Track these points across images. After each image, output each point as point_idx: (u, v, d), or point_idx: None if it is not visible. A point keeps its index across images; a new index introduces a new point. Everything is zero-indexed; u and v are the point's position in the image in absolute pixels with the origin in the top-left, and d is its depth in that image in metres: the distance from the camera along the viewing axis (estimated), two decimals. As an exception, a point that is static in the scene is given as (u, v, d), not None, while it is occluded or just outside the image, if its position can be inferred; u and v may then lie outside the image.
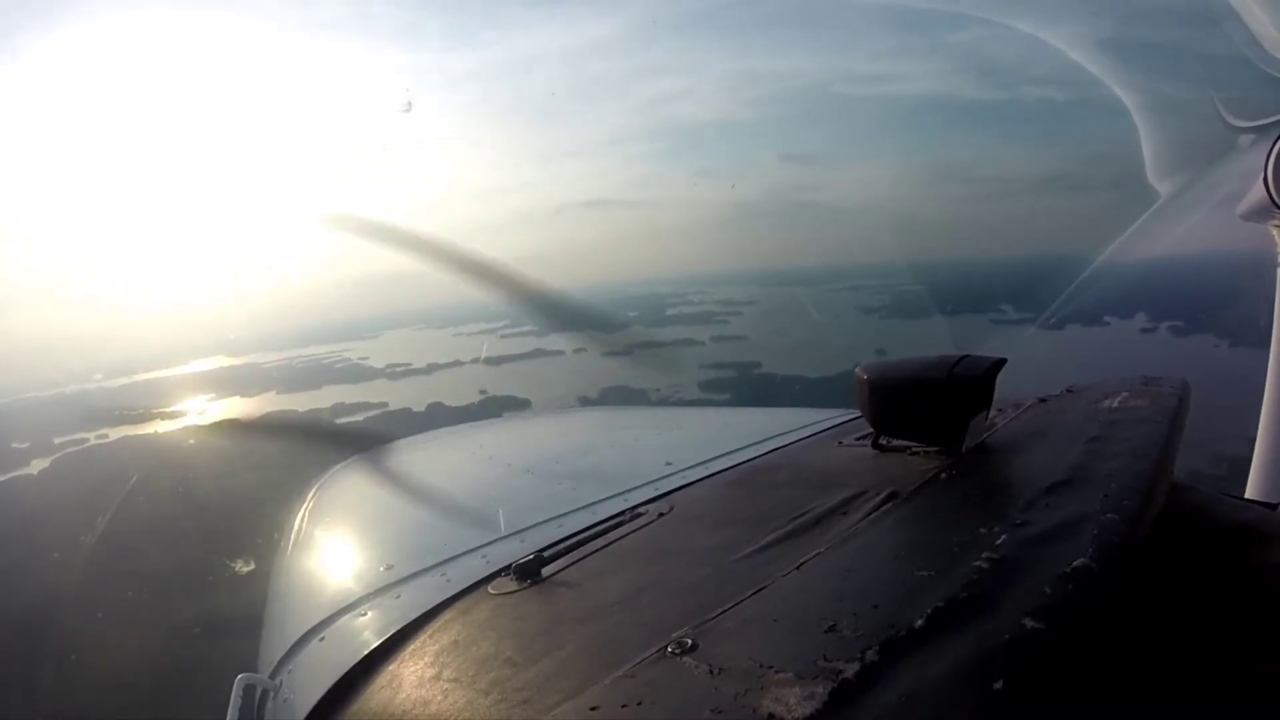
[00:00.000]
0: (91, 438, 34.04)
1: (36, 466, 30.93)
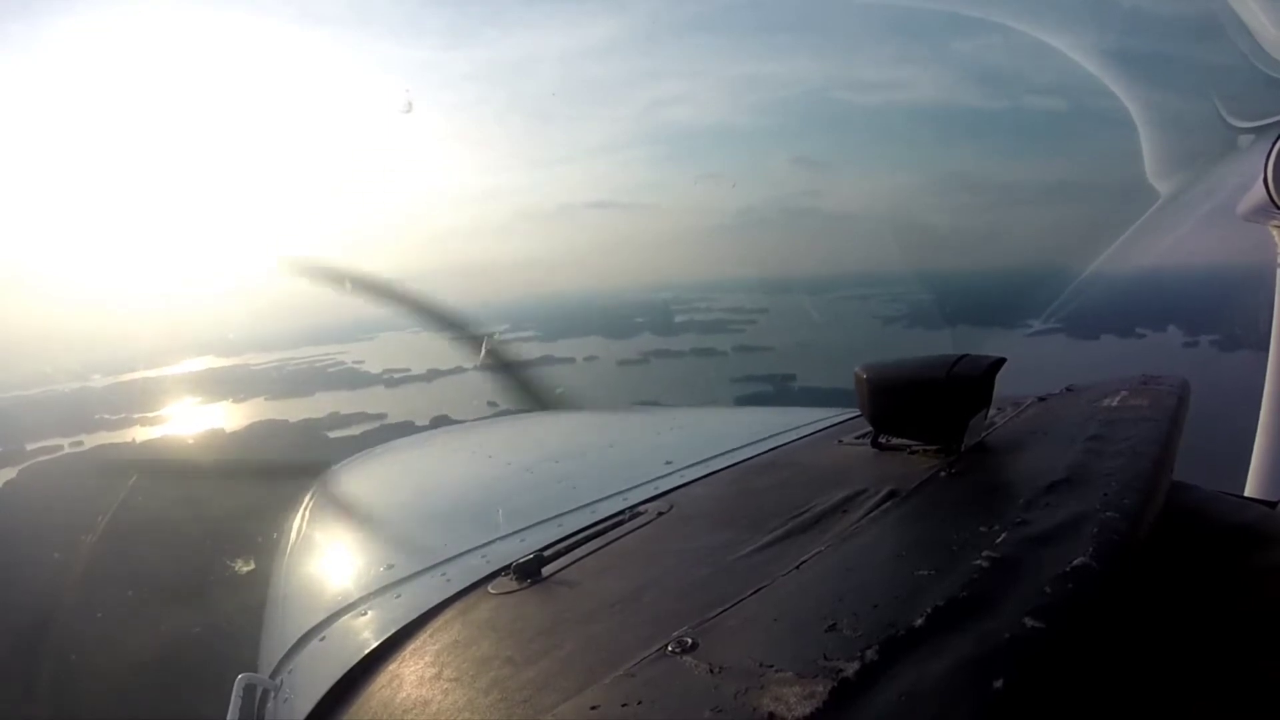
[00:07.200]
0: (65, 444, 32.63)
1: (3, 478, 29.12)
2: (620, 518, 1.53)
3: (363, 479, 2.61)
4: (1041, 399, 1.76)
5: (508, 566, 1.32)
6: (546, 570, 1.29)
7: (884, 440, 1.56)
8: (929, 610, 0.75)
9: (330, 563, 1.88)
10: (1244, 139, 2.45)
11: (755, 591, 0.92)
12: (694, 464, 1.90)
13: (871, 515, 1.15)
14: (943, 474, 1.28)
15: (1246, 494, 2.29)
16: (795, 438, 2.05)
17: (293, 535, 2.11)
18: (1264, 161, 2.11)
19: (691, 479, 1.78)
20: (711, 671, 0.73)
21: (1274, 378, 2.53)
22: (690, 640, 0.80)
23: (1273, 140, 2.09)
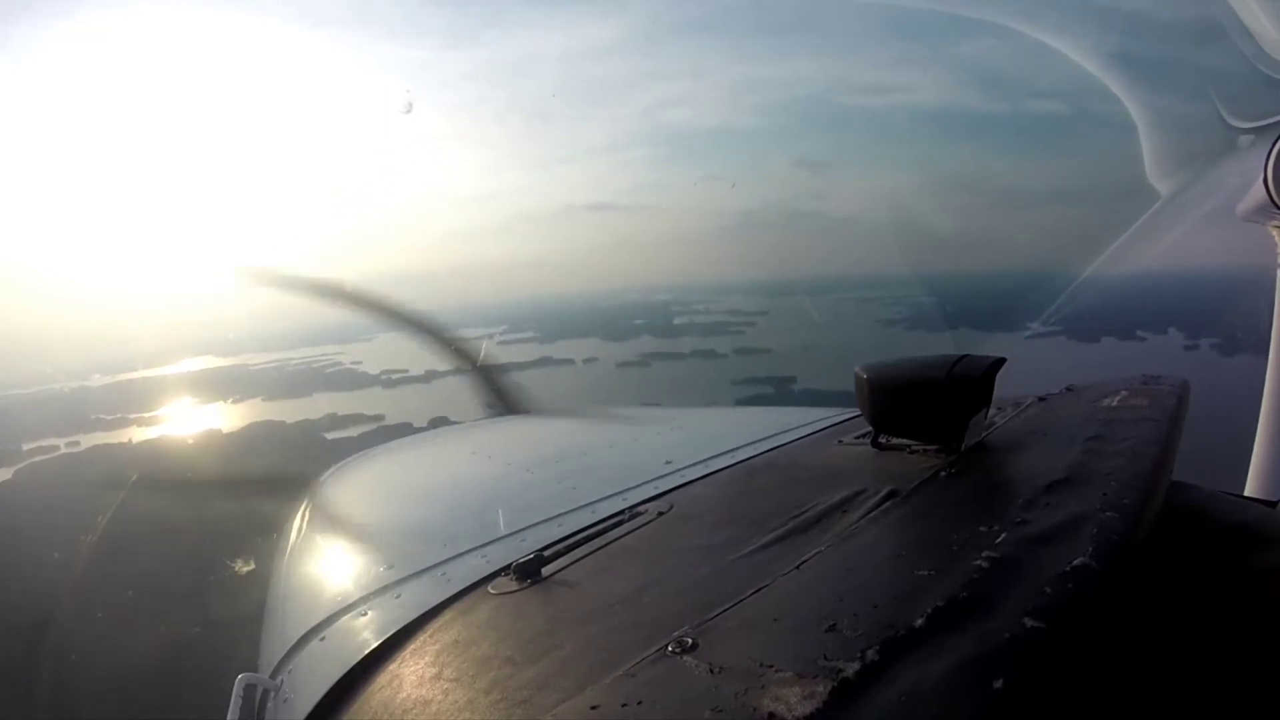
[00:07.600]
0: (62, 445, 32.52)
1: (-1, 477, 29.37)
2: (620, 518, 1.53)
3: (361, 480, 2.61)
4: (1041, 399, 1.76)
5: (508, 566, 1.32)
6: (546, 570, 1.29)
7: (884, 440, 1.56)
8: (929, 610, 0.75)
9: (330, 563, 1.88)
10: (1244, 139, 2.45)
11: (755, 591, 0.92)
12: (694, 464, 1.90)
13: (871, 515, 1.15)
14: (943, 474, 1.28)
15: (1246, 494, 2.29)
16: (795, 438, 2.04)
17: (292, 535, 2.10)
18: (1264, 161, 2.11)
19: (691, 479, 1.78)
20: (711, 671, 0.72)
21: (1274, 377, 2.53)
22: (690, 640, 0.80)
23: (1273, 140, 2.09)
